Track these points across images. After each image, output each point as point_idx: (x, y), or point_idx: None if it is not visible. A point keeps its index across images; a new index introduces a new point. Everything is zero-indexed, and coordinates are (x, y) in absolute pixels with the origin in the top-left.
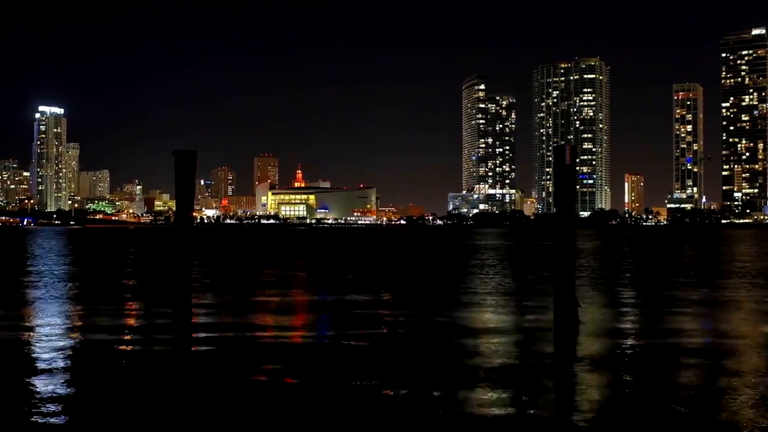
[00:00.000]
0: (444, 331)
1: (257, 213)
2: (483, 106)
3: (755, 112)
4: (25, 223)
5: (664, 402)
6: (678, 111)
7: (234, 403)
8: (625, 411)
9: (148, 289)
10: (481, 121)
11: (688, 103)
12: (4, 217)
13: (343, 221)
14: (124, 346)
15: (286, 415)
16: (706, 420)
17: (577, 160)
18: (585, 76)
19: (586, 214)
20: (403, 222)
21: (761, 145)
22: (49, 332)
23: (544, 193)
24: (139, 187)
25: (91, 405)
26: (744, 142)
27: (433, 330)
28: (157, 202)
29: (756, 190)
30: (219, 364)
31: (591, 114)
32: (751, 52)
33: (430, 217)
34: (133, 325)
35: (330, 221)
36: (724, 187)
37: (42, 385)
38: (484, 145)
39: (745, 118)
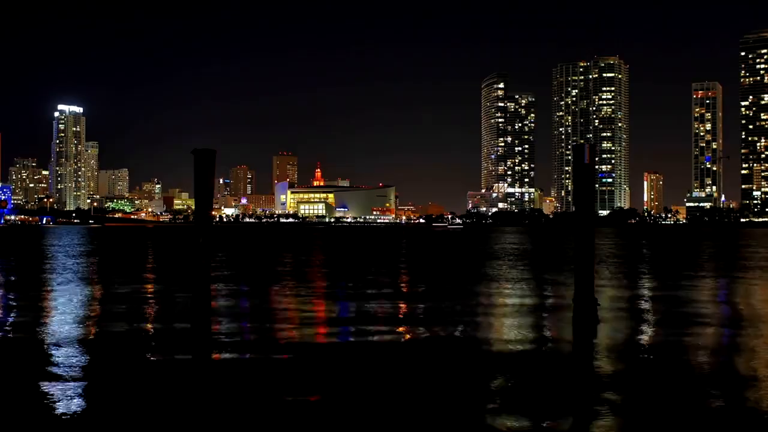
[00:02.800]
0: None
1: (276, 212)
2: (502, 104)
3: None
4: (44, 221)
5: (687, 399)
6: (697, 109)
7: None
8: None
9: (169, 290)
10: (500, 120)
11: (707, 101)
12: (23, 216)
13: (362, 220)
14: (143, 360)
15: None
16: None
17: (596, 158)
18: (604, 74)
19: (605, 212)
20: (422, 221)
21: None
22: (68, 333)
23: (563, 191)
24: (158, 185)
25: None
26: (763, 140)
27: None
28: (176, 201)
29: None
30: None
31: (610, 112)
32: None
33: (449, 216)
34: (152, 334)
35: (349, 220)
36: (743, 186)
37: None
38: (503, 144)
39: (764, 116)
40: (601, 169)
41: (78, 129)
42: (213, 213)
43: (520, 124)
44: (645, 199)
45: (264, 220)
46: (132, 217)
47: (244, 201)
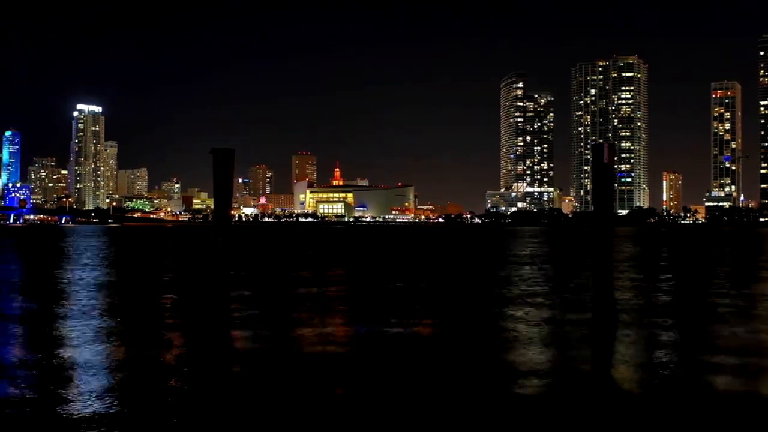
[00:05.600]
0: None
1: (295, 211)
2: (521, 104)
3: None
4: (63, 221)
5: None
6: (716, 109)
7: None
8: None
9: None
10: (519, 119)
11: (727, 101)
12: (42, 216)
13: (381, 219)
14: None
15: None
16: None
17: (615, 158)
18: (623, 74)
19: (624, 212)
20: (441, 220)
21: None
22: (85, 337)
23: (582, 191)
24: (177, 185)
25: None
26: None
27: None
28: (195, 200)
29: None
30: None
31: (629, 112)
32: None
33: (469, 216)
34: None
35: (368, 219)
36: (762, 186)
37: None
38: (522, 143)
39: None
40: (620, 168)
41: (97, 128)
42: (232, 212)
43: (539, 124)
44: (664, 198)
45: (283, 220)
46: (151, 216)
47: (263, 200)
